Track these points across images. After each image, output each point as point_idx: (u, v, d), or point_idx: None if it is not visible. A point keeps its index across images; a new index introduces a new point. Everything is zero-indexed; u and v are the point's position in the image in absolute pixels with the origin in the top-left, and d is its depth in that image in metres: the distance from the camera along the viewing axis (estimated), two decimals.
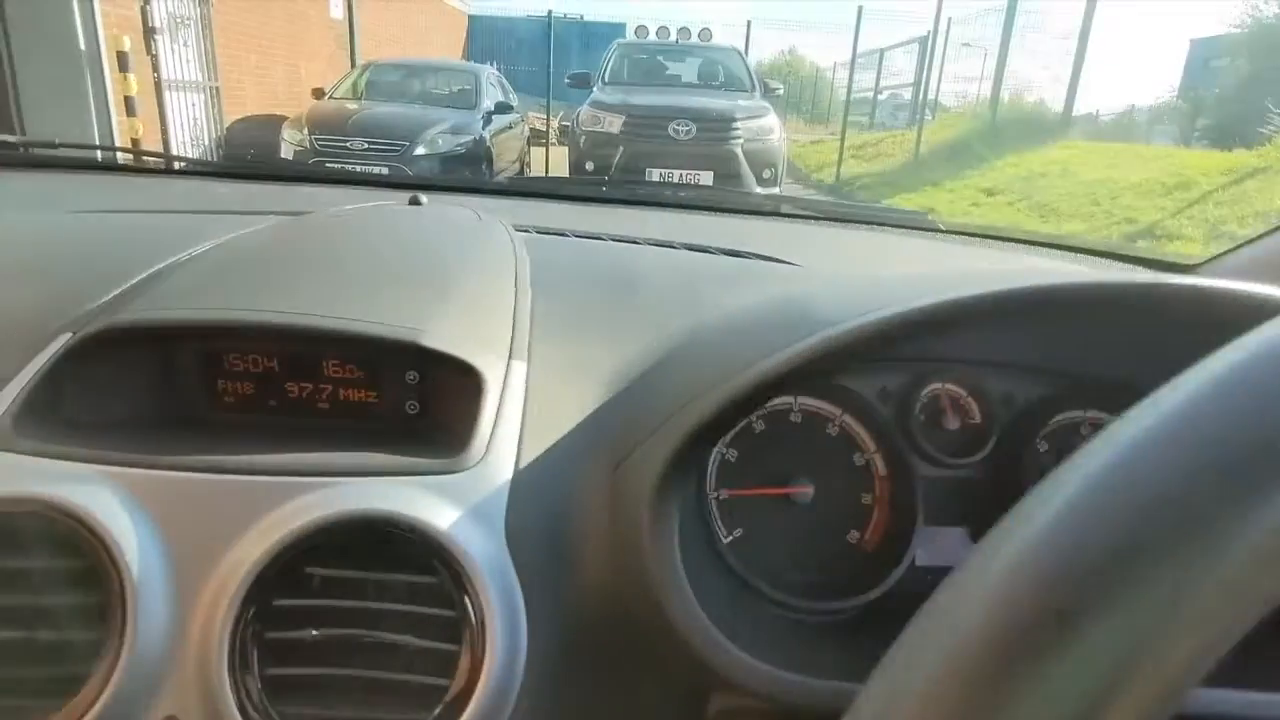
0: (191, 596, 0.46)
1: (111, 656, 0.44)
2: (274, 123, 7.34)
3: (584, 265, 0.80)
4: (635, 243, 0.93)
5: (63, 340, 0.55)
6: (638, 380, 0.58)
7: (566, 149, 7.24)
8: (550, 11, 10.34)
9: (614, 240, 0.93)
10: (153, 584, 0.45)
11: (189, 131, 7.29)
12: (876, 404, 0.60)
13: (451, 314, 0.58)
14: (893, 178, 10.03)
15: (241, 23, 8.07)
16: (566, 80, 7.51)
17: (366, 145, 5.81)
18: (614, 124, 6.25)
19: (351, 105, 6.63)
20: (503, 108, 7.26)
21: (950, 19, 11.65)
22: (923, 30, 12.54)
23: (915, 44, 12.96)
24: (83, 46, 5.98)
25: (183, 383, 0.58)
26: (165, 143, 6.71)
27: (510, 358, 0.58)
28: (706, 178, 5.87)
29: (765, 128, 6.36)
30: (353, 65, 9.40)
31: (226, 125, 7.80)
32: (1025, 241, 1.17)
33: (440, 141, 6.10)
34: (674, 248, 0.92)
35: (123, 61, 6.19)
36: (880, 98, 14.71)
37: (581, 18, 16.22)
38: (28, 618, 0.45)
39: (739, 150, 6.16)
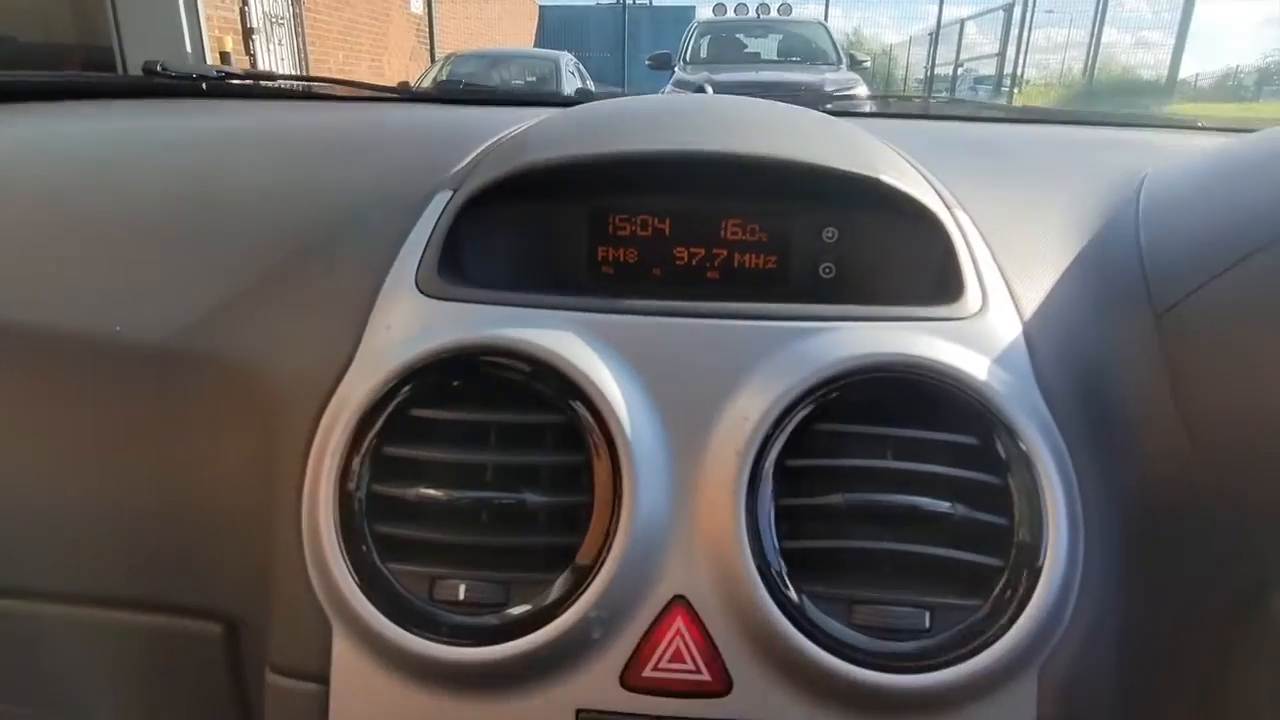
0: (691, 458, 0.39)
1: (608, 526, 0.38)
2: None
3: (928, 140, 0.70)
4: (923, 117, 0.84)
5: (443, 198, 0.50)
6: (1129, 223, 0.48)
7: None
8: None
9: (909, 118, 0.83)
10: (646, 443, 0.39)
11: None
12: None
13: (875, 158, 0.50)
14: None
15: (329, 21, 8.28)
16: (647, 62, 7.42)
17: None
18: None
19: None
20: (583, 94, 7.17)
21: None
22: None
23: (996, 14, 12.37)
24: (189, 48, 6.23)
25: (562, 249, 0.51)
26: None
27: (946, 206, 0.49)
28: None
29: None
30: (432, 58, 9.55)
31: None
32: None
33: None
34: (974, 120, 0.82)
35: (224, 61, 6.41)
36: (959, 72, 14.13)
37: (651, 3, 16.08)
38: (511, 479, 0.39)
39: None
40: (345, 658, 0.39)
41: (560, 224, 0.52)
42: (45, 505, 0.47)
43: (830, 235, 0.50)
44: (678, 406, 0.40)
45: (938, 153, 0.63)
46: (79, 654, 0.51)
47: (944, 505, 0.37)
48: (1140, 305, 0.43)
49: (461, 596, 0.38)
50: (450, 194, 0.50)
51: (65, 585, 0.48)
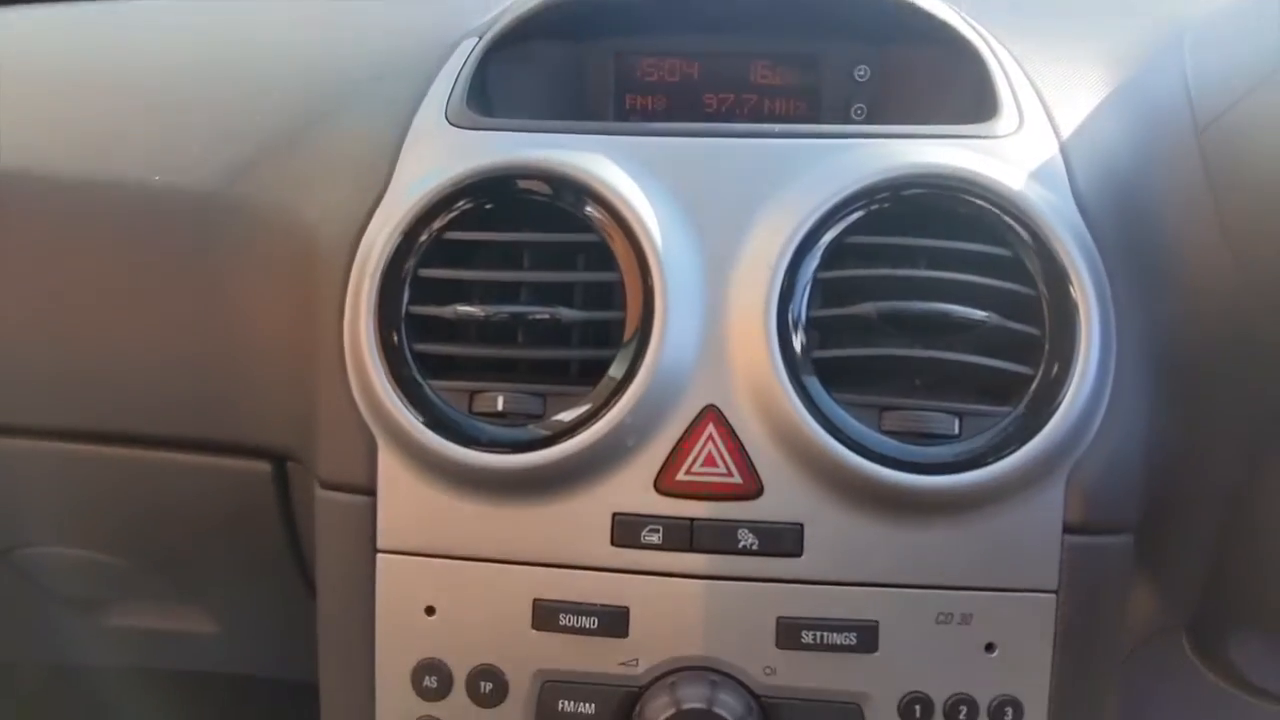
0: (723, 271, 0.40)
1: (640, 337, 0.38)
2: None
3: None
4: None
5: (470, 43, 0.49)
6: (1174, 53, 0.46)
7: None
8: None
9: None
10: (677, 256, 0.39)
11: None
12: None
13: None
14: None
15: None
16: None
17: None
18: None
19: None
20: None
21: None
22: None
23: None
24: None
25: (590, 96, 0.52)
26: None
27: (981, 37, 0.47)
28: None
29: None
30: None
31: None
32: None
33: None
34: None
35: None
36: None
37: None
38: (545, 296, 0.40)
39: None
40: (391, 470, 0.41)
41: (588, 70, 0.52)
42: (93, 347, 0.49)
43: (862, 74, 0.49)
44: (709, 220, 0.40)
45: (973, 7, 0.61)
46: (132, 495, 0.54)
47: (976, 314, 0.37)
48: (1183, 125, 0.41)
49: (500, 407, 0.39)
50: (476, 39, 0.50)
51: (112, 425, 0.51)
